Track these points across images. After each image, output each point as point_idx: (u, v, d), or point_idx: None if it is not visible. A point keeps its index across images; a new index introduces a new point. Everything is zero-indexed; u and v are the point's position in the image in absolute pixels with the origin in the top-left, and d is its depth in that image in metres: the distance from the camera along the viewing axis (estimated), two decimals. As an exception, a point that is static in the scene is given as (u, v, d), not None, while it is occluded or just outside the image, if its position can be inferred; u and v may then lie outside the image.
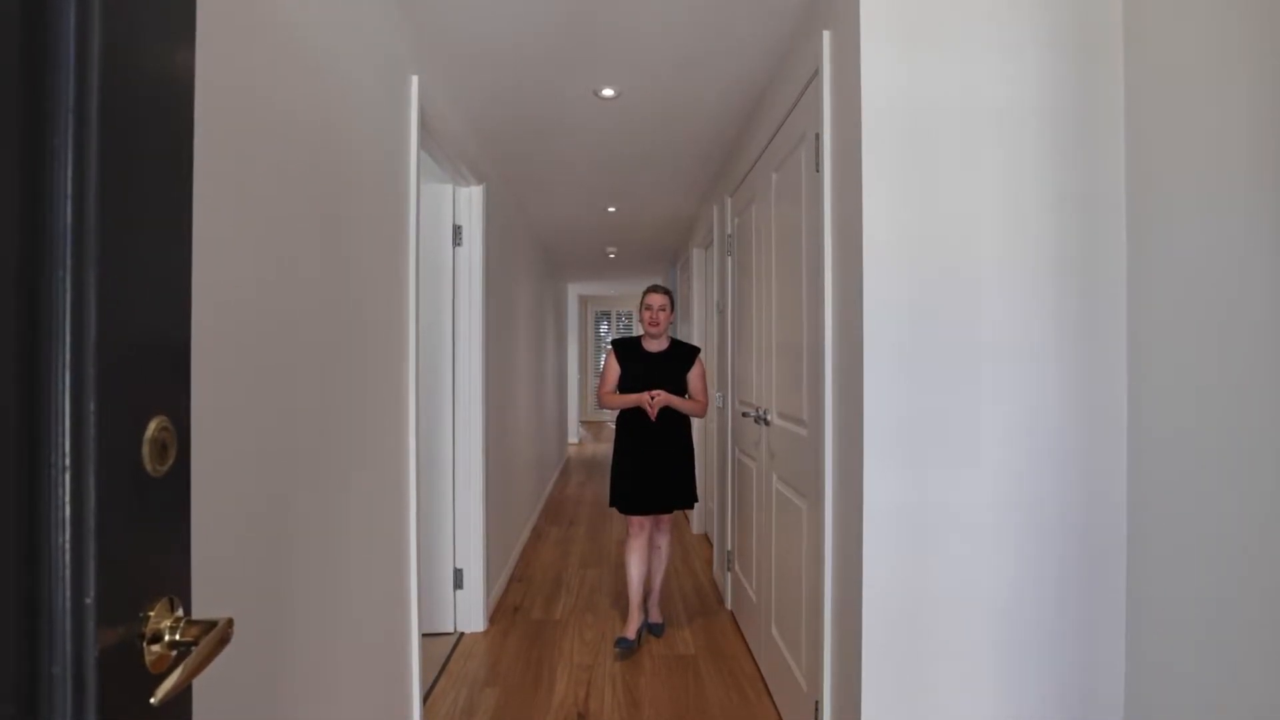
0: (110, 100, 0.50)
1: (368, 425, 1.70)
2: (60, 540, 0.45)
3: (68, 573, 0.45)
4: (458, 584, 3.03)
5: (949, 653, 1.57)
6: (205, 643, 0.56)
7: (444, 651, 2.84)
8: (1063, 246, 1.57)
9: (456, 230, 3.01)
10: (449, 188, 2.99)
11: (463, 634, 3.04)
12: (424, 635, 2.89)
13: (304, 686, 1.32)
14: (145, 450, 0.55)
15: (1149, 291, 1.49)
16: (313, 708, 1.37)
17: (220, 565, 1.02)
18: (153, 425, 0.56)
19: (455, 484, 2.99)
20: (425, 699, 2.41)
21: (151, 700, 0.50)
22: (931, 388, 1.56)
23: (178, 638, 0.57)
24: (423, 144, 2.33)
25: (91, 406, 0.46)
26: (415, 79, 2.07)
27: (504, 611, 3.33)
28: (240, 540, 1.09)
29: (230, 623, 0.59)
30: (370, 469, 1.72)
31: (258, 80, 1.15)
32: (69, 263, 0.45)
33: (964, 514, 1.57)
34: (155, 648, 0.55)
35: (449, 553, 3.00)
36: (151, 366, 0.57)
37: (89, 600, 0.46)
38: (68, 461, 0.45)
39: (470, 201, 3.03)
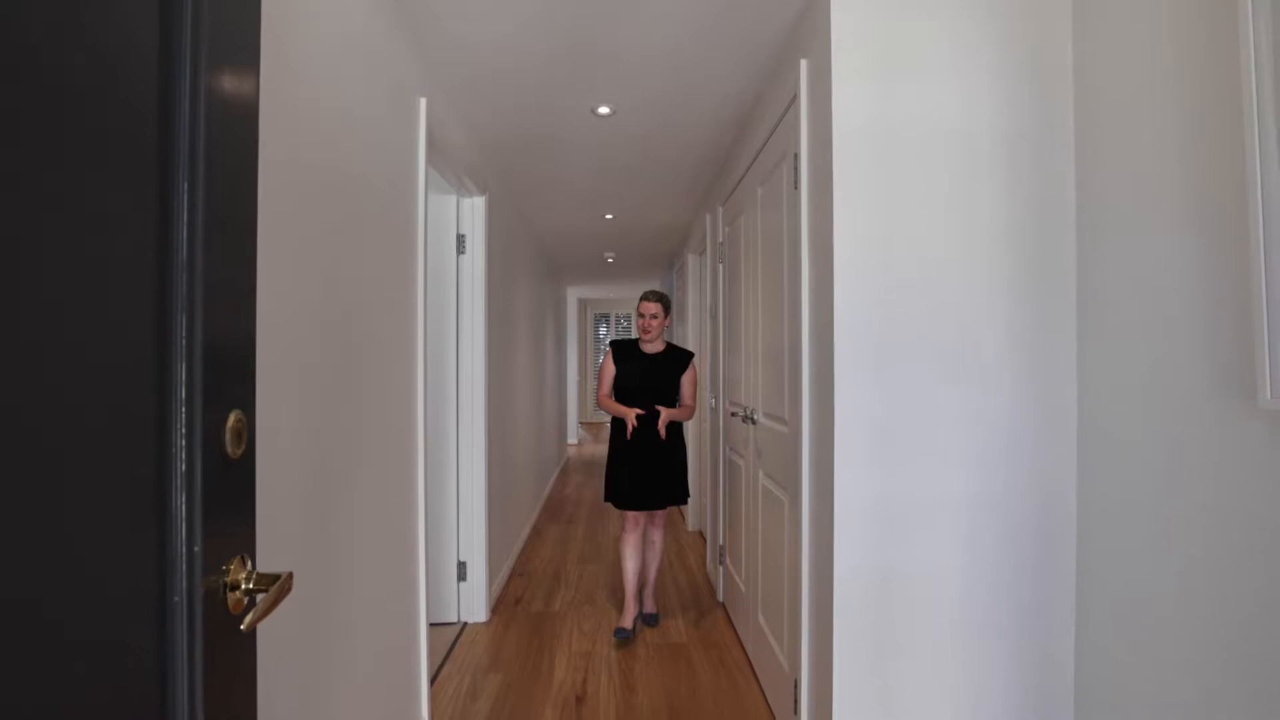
0: (209, 160, 0.65)
1: (382, 425, 1.85)
2: (179, 504, 0.60)
3: (184, 527, 0.60)
4: (461, 576, 3.17)
5: (914, 633, 1.71)
6: (273, 589, 0.71)
7: (448, 640, 2.98)
8: (1019, 259, 1.72)
9: (460, 239, 3.16)
10: (453, 198, 3.14)
11: (466, 624, 3.18)
12: (429, 625, 3.04)
13: (325, 662, 1.47)
14: (227, 438, 0.69)
15: (1096, 300, 1.64)
16: (330, 683, 1.51)
17: (273, 534, 1.17)
18: (232, 417, 0.71)
19: (459, 482, 3.14)
20: (432, 683, 2.56)
21: (241, 627, 0.65)
22: (897, 390, 1.71)
23: (251, 586, 0.71)
24: (429, 160, 2.48)
25: (199, 405, 0.61)
26: (423, 101, 2.22)
27: (505, 604, 3.48)
28: (286, 517, 1.24)
29: (290, 576, 0.74)
30: (382, 466, 1.87)
31: (285, 113, 1.30)
32: (186, 293, 0.60)
33: (927, 507, 1.71)
34: (234, 594, 0.70)
35: (453, 547, 3.14)
36: (231, 371, 0.71)
37: (197, 549, 0.61)
38: (184, 443, 0.60)
39: (473, 211, 3.19)
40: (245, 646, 0.71)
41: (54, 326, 0.48)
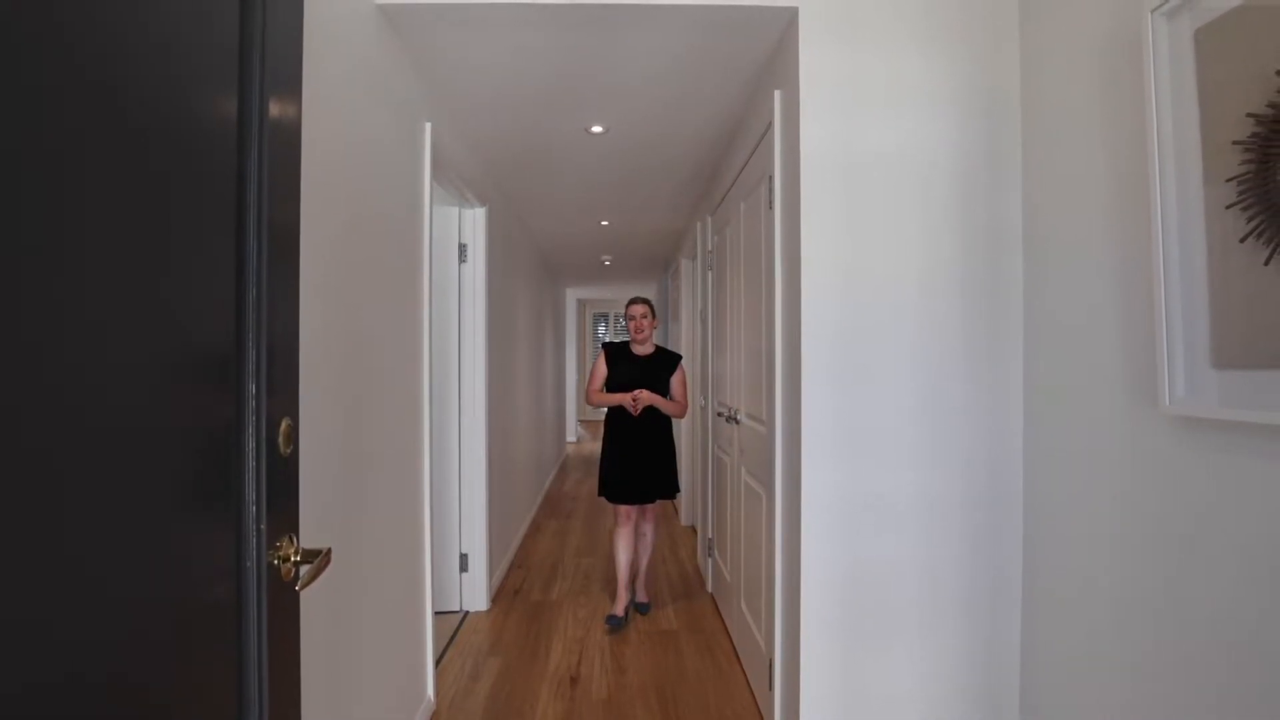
0: (273, 183, 0.83)
1: (392, 426, 2.03)
2: (251, 493, 0.77)
3: (254, 510, 0.77)
4: (463, 567, 3.35)
5: (875, 616, 1.89)
6: (317, 562, 0.89)
7: (451, 627, 3.17)
8: (971, 276, 1.89)
9: (462, 248, 3.33)
10: (455, 210, 3.31)
11: (468, 612, 3.37)
12: (434, 613, 3.22)
13: (352, 630, 1.65)
14: (281, 440, 0.87)
15: (1039, 314, 1.81)
16: (354, 654, 1.69)
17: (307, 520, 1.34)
18: (284, 423, 0.88)
19: (461, 478, 3.32)
20: (437, 665, 2.74)
21: (296, 588, 0.83)
22: (859, 393, 1.88)
23: (298, 559, 0.89)
24: (433, 176, 2.65)
25: (265, 412, 0.79)
26: (428, 125, 2.40)
27: (505, 593, 3.66)
28: (318, 506, 1.41)
29: (329, 551, 0.92)
30: (393, 464, 2.05)
31: (305, 141, 1.47)
32: (254, 323, 0.78)
33: (888, 502, 1.89)
34: (286, 565, 0.88)
35: (455, 539, 3.33)
36: (284, 382, 0.89)
37: (263, 526, 0.79)
38: (253, 445, 0.78)
39: (474, 222, 3.36)
40: (294, 607, 0.89)
41: (148, 339, 0.66)
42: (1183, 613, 1.30)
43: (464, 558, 3.35)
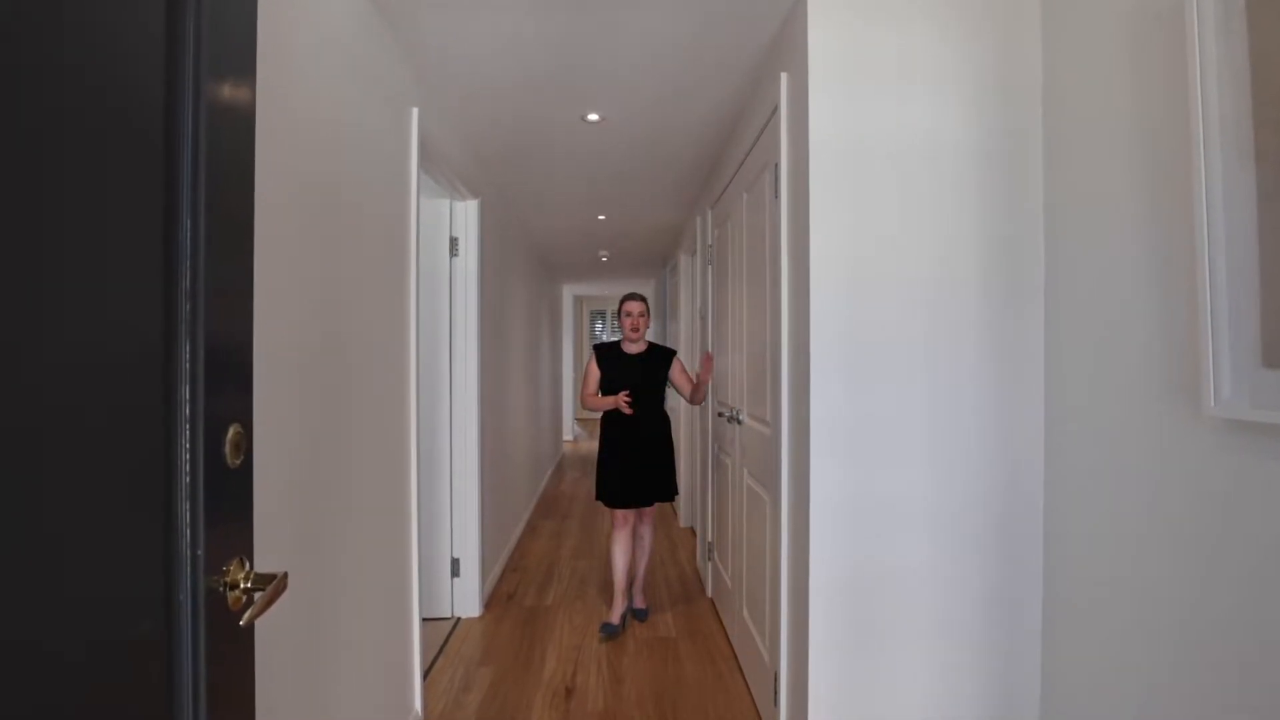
0: (212, 167, 0.71)
1: (376, 426, 1.92)
2: (184, 511, 0.66)
3: (188, 532, 0.66)
4: (455, 572, 3.24)
5: (886, 626, 1.79)
6: (270, 588, 0.78)
7: (442, 634, 3.06)
8: (987, 266, 1.79)
9: (453, 242, 3.22)
10: (446, 202, 3.20)
11: (459, 619, 3.26)
12: (423, 620, 3.11)
13: (324, 653, 1.54)
14: (227, 449, 0.76)
15: (1062, 307, 1.71)
16: (329, 674, 1.58)
17: (270, 535, 1.23)
18: (232, 430, 0.77)
19: (453, 480, 3.21)
20: (425, 676, 2.63)
21: (240, 623, 0.72)
22: (870, 392, 1.78)
23: (249, 585, 0.78)
24: (422, 166, 2.53)
25: (201, 419, 0.68)
26: (415, 110, 2.28)
27: (499, 599, 3.55)
28: (278, 519, 1.30)
29: (285, 576, 0.81)
30: (376, 466, 1.94)
31: (277, 120, 1.36)
32: (187, 320, 0.67)
33: (900, 504, 1.78)
34: (234, 593, 0.77)
35: (447, 543, 3.21)
36: (231, 384, 0.78)
37: (200, 552, 0.68)
38: (188, 455, 0.66)
39: (466, 215, 3.25)
40: (244, 641, 0.78)
41: (56, 333, 0.54)
42: (1220, 629, 1.19)
43: (455, 562, 3.24)
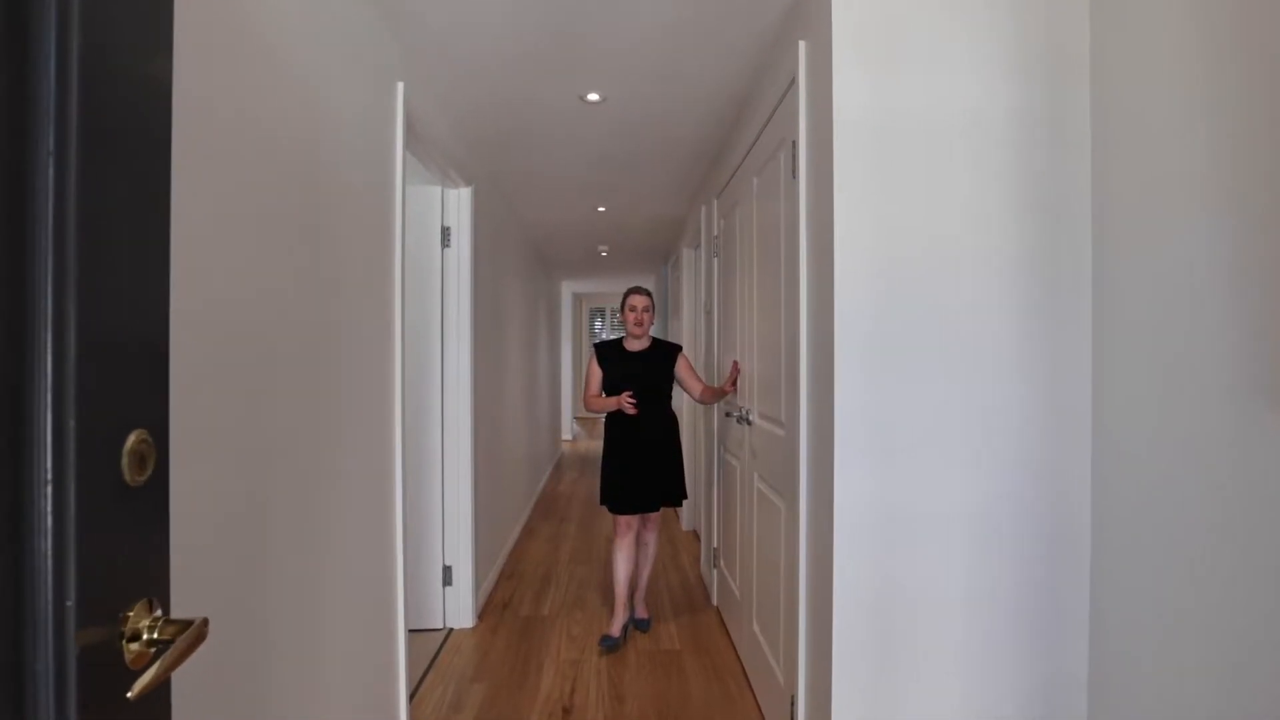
0: (90, 108, 0.54)
1: (353, 426, 1.74)
2: (43, 548, 0.49)
3: (50, 578, 0.49)
4: (447, 581, 3.07)
5: (918, 649, 1.62)
6: (181, 640, 0.60)
7: (433, 647, 2.88)
8: (1029, 254, 1.62)
9: (445, 232, 3.04)
10: (437, 189, 3.02)
11: (451, 630, 3.08)
12: (413, 631, 2.94)
13: (288, 681, 1.37)
14: (125, 462, 0.58)
15: (1112, 296, 1.54)
16: (298, 703, 1.41)
17: (201, 566, 1.06)
18: (132, 438, 0.60)
19: (444, 483, 3.03)
20: (413, 694, 2.46)
21: (128, 695, 0.54)
22: (900, 390, 1.61)
23: (156, 636, 0.61)
24: (409, 148, 2.36)
25: (71, 423, 0.50)
26: (400, 85, 2.10)
27: (493, 607, 3.38)
28: (221, 542, 1.13)
29: (205, 622, 0.63)
30: (355, 469, 1.76)
31: (240, 87, 1.18)
32: (50, 278, 0.49)
33: (933, 514, 1.61)
34: (134, 646, 0.59)
35: (438, 550, 3.04)
36: (131, 380, 0.60)
37: (69, 603, 0.50)
38: (49, 475, 0.49)
39: (459, 203, 3.07)
40: (150, 707, 0.60)
41: None
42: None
43: (447, 570, 3.06)
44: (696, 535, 4.72)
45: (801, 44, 1.82)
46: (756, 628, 2.46)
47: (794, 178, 1.89)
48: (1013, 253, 1.61)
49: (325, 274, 1.57)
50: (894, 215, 1.61)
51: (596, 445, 9.44)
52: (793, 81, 1.88)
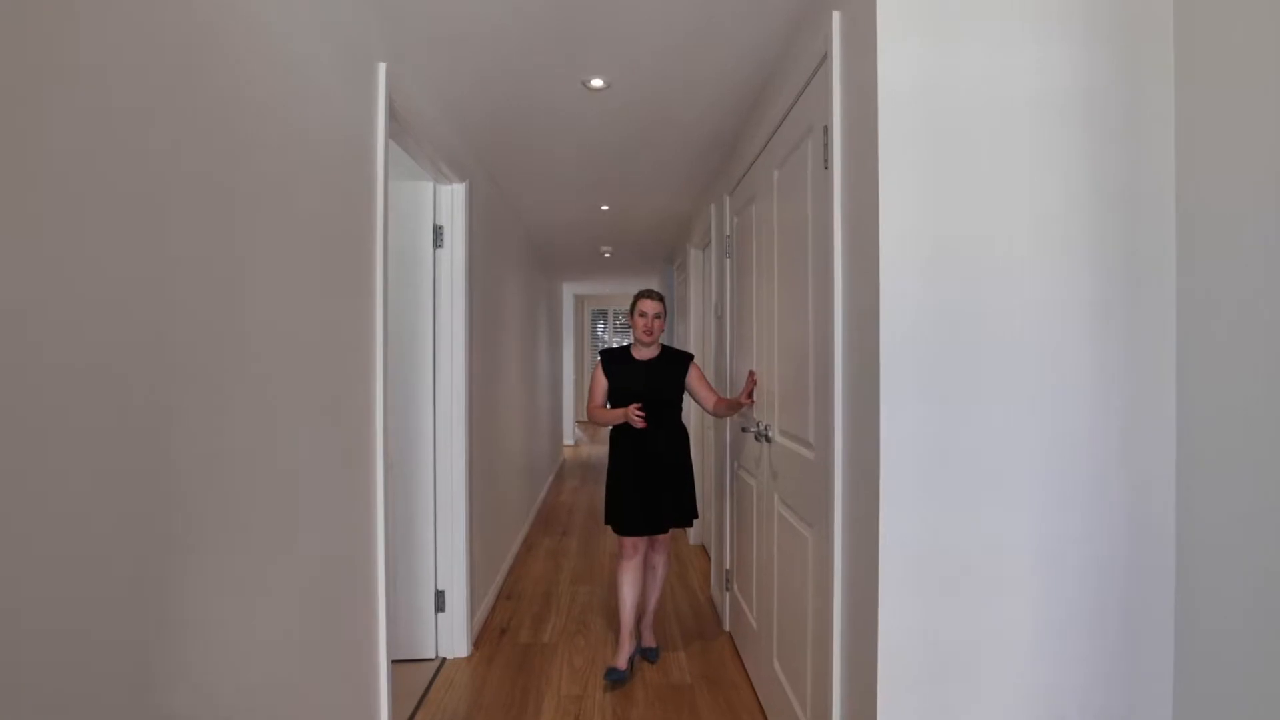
0: None
1: (328, 444, 1.52)
2: None
3: None
4: (439, 607, 2.84)
5: (978, 714, 1.39)
6: None
7: (424, 680, 2.66)
8: (1104, 252, 1.39)
9: (437, 231, 2.82)
10: (429, 185, 2.80)
11: (444, 660, 2.86)
12: (403, 661, 2.72)
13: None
14: None
15: (1200, 302, 1.31)
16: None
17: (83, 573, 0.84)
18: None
19: (437, 502, 2.81)
20: (400, 738, 2.24)
21: None
22: (958, 413, 1.38)
23: None
24: (395, 137, 2.14)
25: None
26: (382, 66, 1.88)
27: (490, 634, 3.15)
28: (111, 555, 0.91)
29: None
30: (328, 492, 1.54)
31: (192, 61, 0.96)
32: None
33: (995, 556, 1.39)
34: None
35: (430, 574, 2.82)
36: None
37: None
38: None
39: (452, 200, 2.85)
40: None
41: None
42: None
43: (440, 595, 2.84)
44: (705, 550, 4.50)
45: (835, 14, 1.60)
46: (778, 665, 2.23)
47: (825, 168, 1.66)
48: (1086, 251, 1.39)
49: (286, 274, 1.35)
50: (947, 210, 1.39)
51: (599, 450, 9.21)
52: (824, 58, 1.66)
